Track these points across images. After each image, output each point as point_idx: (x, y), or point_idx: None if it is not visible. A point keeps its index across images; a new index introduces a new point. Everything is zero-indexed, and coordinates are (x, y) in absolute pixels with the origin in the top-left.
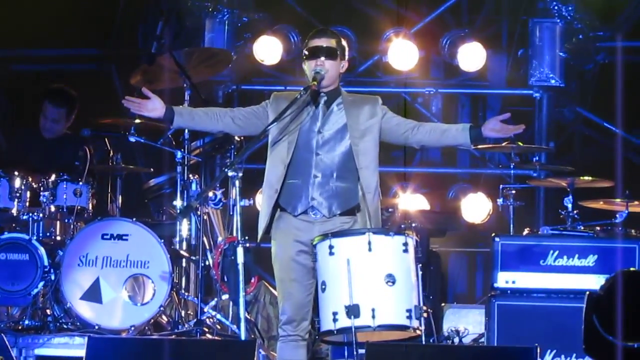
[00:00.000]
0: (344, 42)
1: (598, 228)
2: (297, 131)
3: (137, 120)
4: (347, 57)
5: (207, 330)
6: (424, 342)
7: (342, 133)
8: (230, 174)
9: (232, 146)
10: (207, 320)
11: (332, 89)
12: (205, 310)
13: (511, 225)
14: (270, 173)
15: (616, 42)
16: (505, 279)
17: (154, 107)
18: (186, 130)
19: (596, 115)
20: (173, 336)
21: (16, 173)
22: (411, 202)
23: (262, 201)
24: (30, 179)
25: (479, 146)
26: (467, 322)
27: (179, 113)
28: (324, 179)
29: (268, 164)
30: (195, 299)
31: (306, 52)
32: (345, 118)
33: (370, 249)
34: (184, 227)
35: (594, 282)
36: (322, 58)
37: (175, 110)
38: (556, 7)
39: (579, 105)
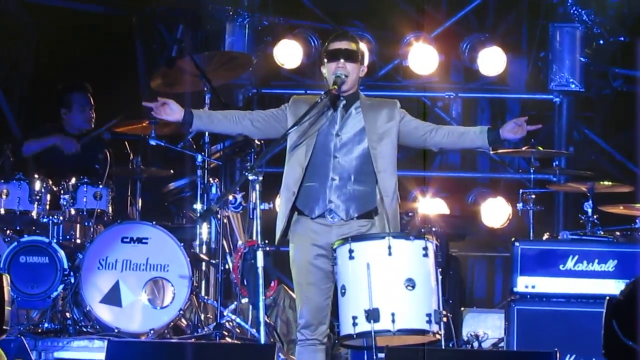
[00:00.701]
0: (363, 47)
1: (618, 233)
2: (316, 134)
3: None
4: (366, 62)
5: (226, 333)
6: (443, 347)
7: (360, 136)
8: (250, 177)
9: (252, 150)
10: (227, 323)
11: (352, 92)
12: (225, 313)
13: (531, 230)
14: (288, 176)
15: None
16: (524, 284)
17: (172, 110)
18: (206, 134)
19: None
20: (192, 340)
21: (36, 176)
22: (431, 206)
23: (280, 204)
24: (50, 182)
25: (499, 151)
26: (486, 327)
27: (197, 116)
28: (341, 182)
29: (286, 167)
30: (215, 302)
31: (326, 55)
32: (363, 121)
33: (390, 253)
34: (204, 231)
35: (614, 287)
36: (343, 61)
37: (194, 114)
38: (576, 12)
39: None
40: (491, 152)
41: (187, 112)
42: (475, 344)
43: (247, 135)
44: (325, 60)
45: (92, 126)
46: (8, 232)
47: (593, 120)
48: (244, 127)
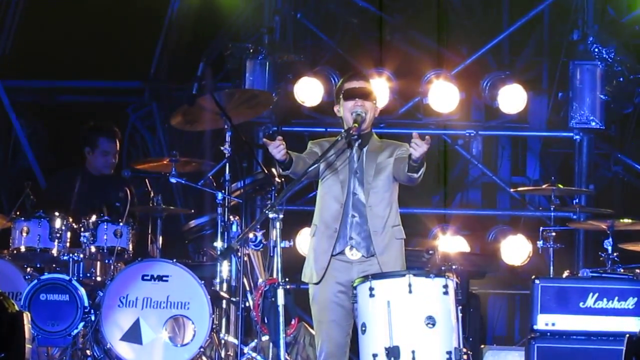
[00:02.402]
0: (381, 85)
1: (638, 271)
2: (345, 172)
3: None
4: (382, 101)
5: None
6: None
7: None
8: (270, 215)
9: (273, 188)
10: None
11: (367, 132)
12: (245, 351)
13: (551, 268)
14: (324, 213)
15: None
16: (545, 321)
17: (283, 149)
18: (227, 172)
19: (636, 161)
20: None
21: (57, 214)
22: (451, 243)
23: (317, 240)
24: (70, 220)
25: (519, 189)
26: None
27: (296, 161)
28: (361, 219)
29: (321, 204)
30: (235, 340)
31: (343, 94)
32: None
33: (410, 291)
34: (225, 269)
35: (634, 324)
36: (361, 100)
37: (294, 158)
38: (597, 50)
39: (619, 150)
40: (512, 190)
41: (288, 155)
42: None
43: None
44: (342, 99)
45: (112, 172)
46: (28, 269)
47: (622, 142)
48: (310, 172)
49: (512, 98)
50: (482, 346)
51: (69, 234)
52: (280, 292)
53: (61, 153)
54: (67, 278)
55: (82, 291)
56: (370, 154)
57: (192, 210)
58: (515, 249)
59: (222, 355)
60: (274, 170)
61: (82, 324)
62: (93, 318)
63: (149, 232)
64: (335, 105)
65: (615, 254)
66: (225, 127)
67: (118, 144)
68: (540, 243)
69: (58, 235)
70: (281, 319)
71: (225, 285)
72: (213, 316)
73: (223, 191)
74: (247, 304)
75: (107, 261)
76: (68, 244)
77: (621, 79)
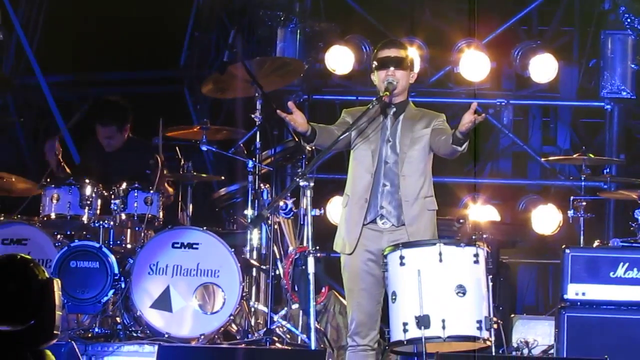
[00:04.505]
0: (412, 53)
1: None
2: (376, 141)
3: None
4: (416, 69)
5: (276, 339)
6: (493, 353)
7: None
8: (301, 183)
9: (303, 156)
10: (277, 329)
11: (401, 100)
12: (275, 319)
13: (581, 237)
14: (356, 183)
15: None
16: (575, 291)
17: (303, 121)
18: (257, 139)
19: None
20: (243, 345)
21: (87, 181)
22: (482, 213)
23: (349, 211)
24: (101, 187)
25: (550, 158)
26: (536, 334)
27: (319, 133)
28: (392, 188)
29: (353, 174)
30: (265, 308)
31: (375, 63)
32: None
33: (441, 260)
34: (255, 237)
35: None
36: (392, 68)
37: (317, 130)
38: (628, 20)
39: None
40: (542, 160)
41: (311, 127)
42: (525, 351)
43: (342, 148)
44: (375, 68)
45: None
46: (59, 237)
47: None
48: (340, 141)
49: (543, 67)
50: (512, 315)
51: (99, 202)
52: (311, 260)
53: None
54: (98, 245)
55: (112, 258)
56: (407, 122)
57: (223, 178)
58: (546, 219)
59: (252, 323)
60: None
61: (112, 291)
62: (123, 285)
63: (179, 199)
64: (371, 73)
65: None
66: (256, 95)
67: (116, 127)
68: (570, 213)
69: (88, 202)
70: (311, 287)
71: (255, 253)
72: (243, 284)
73: (254, 159)
74: (277, 272)
75: (137, 229)
76: (98, 212)
77: None
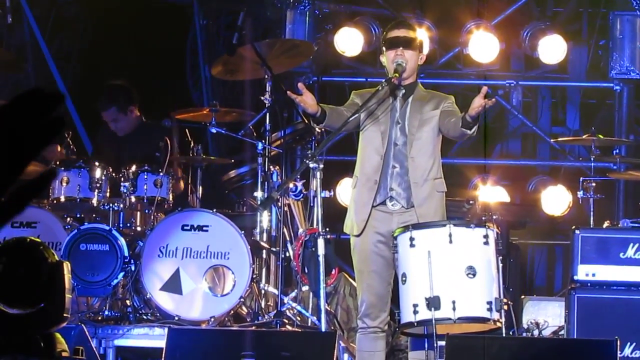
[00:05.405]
0: (421, 34)
1: None
2: (387, 122)
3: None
4: (425, 50)
5: (286, 321)
6: (504, 334)
7: None
8: (311, 165)
9: (313, 137)
10: (287, 311)
11: (411, 82)
12: (285, 301)
13: (591, 218)
14: (365, 164)
15: None
16: (585, 272)
17: (312, 102)
18: (267, 121)
19: None
20: (253, 327)
21: (97, 163)
22: (491, 194)
23: (358, 192)
24: (110, 170)
25: (560, 139)
26: (546, 315)
27: (329, 114)
28: (402, 170)
29: (362, 155)
30: (275, 290)
31: (385, 44)
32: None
33: (451, 241)
34: (265, 219)
35: None
36: (402, 48)
37: (327, 111)
38: (637, 0)
39: None
40: (552, 141)
41: (321, 109)
42: (536, 332)
43: (351, 129)
44: (384, 48)
45: (129, 132)
46: (68, 219)
47: None
48: (349, 123)
49: (552, 48)
50: (522, 296)
51: (108, 184)
52: (321, 242)
53: None
54: (107, 228)
55: (122, 241)
56: (415, 104)
57: (232, 160)
58: (556, 199)
59: (262, 305)
60: None
61: (122, 274)
62: (133, 268)
63: (189, 182)
64: (381, 55)
65: None
66: (266, 77)
67: (116, 108)
68: (580, 193)
69: (98, 185)
70: (321, 269)
71: (265, 235)
72: (253, 266)
73: (263, 141)
74: (287, 254)
75: (147, 211)
76: (108, 194)
77: None
